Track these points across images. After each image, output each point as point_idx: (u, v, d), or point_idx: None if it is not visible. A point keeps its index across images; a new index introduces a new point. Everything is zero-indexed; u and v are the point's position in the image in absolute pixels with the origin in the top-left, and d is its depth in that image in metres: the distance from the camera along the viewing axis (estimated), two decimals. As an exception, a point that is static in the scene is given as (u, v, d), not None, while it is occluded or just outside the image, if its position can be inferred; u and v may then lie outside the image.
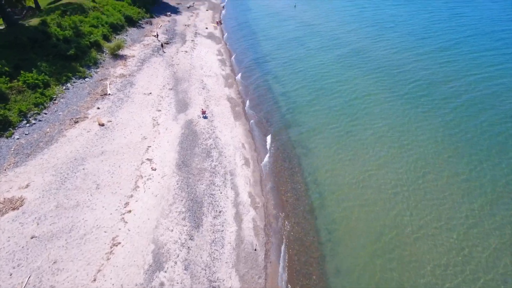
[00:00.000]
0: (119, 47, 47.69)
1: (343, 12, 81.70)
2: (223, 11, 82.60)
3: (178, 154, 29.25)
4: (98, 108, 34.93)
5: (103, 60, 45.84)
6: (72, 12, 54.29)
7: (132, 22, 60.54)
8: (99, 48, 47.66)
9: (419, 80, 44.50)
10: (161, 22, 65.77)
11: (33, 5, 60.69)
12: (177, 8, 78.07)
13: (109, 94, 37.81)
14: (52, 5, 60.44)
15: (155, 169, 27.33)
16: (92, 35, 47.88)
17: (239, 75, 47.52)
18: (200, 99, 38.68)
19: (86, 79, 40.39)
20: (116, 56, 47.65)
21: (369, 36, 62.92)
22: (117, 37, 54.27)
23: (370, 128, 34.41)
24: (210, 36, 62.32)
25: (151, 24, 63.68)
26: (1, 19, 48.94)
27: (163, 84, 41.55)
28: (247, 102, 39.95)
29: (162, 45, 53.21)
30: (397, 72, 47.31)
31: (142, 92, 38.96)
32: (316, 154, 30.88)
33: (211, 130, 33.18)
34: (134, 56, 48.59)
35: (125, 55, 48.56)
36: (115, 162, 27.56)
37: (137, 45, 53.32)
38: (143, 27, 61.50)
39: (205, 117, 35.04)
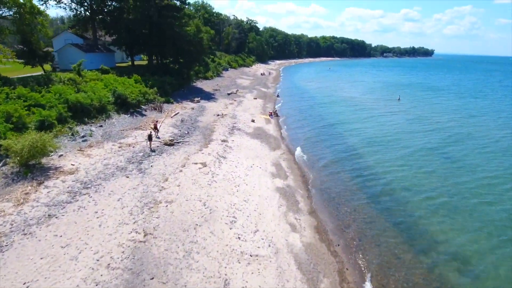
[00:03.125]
0: (39, 150, 19.46)
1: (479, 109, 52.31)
2: (278, 101, 57.04)
3: None
4: None
5: (-24, 183, 17.16)
6: (25, 84, 30.52)
7: (126, 106, 34.77)
8: (-3, 150, 19.86)
9: None
10: (179, 109, 39.68)
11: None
12: (212, 94, 53.89)
13: None
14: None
15: None
16: (-9, 121, 20.84)
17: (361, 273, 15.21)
18: None
19: None
20: (31, 168, 19.19)
21: None
22: (81, 128, 27.44)
23: None
24: (259, 134, 33.76)
25: (160, 110, 37.56)
26: None
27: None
28: None
29: (149, 138, 25.05)
30: None
31: None
32: None
33: None
34: (72, 173, 19.69)
35: (56, 168, 19.95)
36: None
37: (107, 145, 25.30)
38: (144, 114, 35.20)
39: None
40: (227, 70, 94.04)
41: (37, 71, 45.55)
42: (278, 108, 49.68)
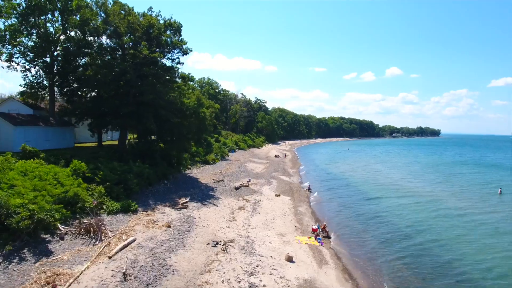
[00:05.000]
0: None
1: None
2: (312, 198, 37.29)
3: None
4: None
5: None
6: None
7: (10, 232, 15.36)
8: None
9: None
10: (141, 228, 20.00)
11: None
12: (212, 189, 34.79)
13: None
14: None
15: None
16: None
17: None
18: None
19: None
20: None
21: None
22: None
23: None
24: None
25: (97, 235, 17.88)
26: None
27: None
28: None
29: None
30: None
31: None
32: None
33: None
34: None
35: None
36: None
37: None
38: (49, 252, 15.47)
39: None
40: (234, 152, 77.38)
41: None
42: (320, 213, 29.66)
